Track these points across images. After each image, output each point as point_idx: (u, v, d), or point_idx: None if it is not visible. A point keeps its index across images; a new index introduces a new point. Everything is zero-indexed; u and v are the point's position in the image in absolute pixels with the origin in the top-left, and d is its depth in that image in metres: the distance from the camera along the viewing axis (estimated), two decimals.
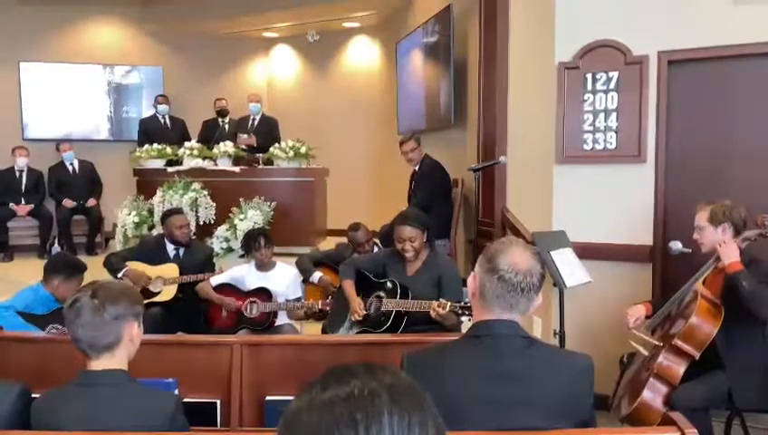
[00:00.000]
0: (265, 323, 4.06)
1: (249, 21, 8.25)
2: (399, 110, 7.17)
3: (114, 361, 1.76)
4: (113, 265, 4.44)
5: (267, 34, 8.94)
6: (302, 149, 6.10)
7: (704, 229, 2.91)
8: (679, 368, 2.71)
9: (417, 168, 5.40)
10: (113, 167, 7.74)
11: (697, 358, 2.69)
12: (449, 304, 3.03)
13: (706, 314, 2.69)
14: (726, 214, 2.86)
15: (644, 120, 3.63)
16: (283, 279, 4.20)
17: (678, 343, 2.69)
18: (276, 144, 6.24)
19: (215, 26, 8.41)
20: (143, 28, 8.46)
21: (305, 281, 4.58)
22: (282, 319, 4.16)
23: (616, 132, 3.70)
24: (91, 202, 7.29)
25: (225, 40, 8.73)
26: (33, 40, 7.89)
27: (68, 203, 7.16)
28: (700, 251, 2.96)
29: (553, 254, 3.28)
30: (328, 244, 6.07)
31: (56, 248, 7.09)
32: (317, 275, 4.59)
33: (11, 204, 7.09)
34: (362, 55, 8.63)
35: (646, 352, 2.90)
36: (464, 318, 3.10)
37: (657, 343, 2.84)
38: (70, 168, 7.41)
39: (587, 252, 3.54)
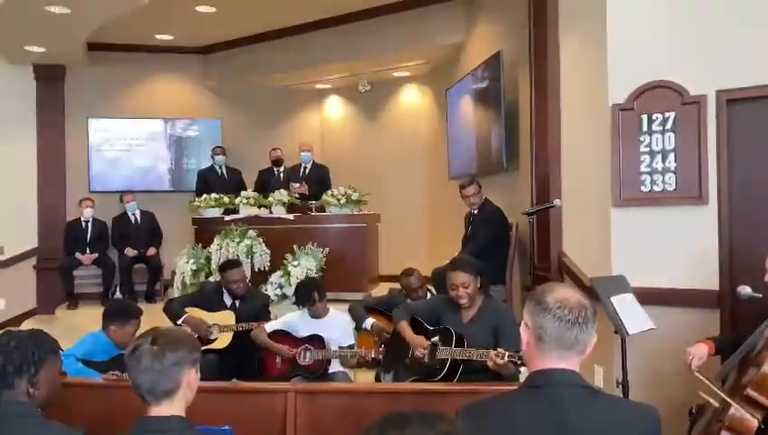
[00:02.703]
0: (319, 371, 4.04)
1: (304, 74, 8.52)
2: (450, 155, 7.20)
3: (173, 407, 1.78)
4: (173, 311, 4.54)
5: (320, 86, 9.20)
6: (354, 196, 6.16)
7: None
8: (753, 420, 2.54)
9: (475, 211, 5.37)
10: (173, 216, 7.99)
11: None
12: (507, 353, 2.95)
13: None
14: None
15: (704, 160, 3.54)
16: (336, 326, 4.19)
17: (751, 392, 2.54)
18: (328, 191, 6.33)
19: (271, 80, 8.71)
20: (203, 84, 8.84)
21: (358, 328, 4.56)
22: (335, 366, 4.13)
23: (675, 173, 3.60)
24: (152, 251, 7.50)
25: (280, 93, 9.02)
26: (102, 97, 8.32)
27: (130, 252, 7.40)
28: None
29: (614, 300, 3.17)
30: (381, 290, 6.06)
31: (118, 296, 7.30)
32: (370, 322, 4.57)
33: (77, 253, 7.37)
34: (412, 103, 8.75)
35: (716, 403, 2.73)
36: (522, 368, 3.01)
37: (724, 396, 2.67)
38: (132, 218, 7.68)
39: (649, 297, 3.41)
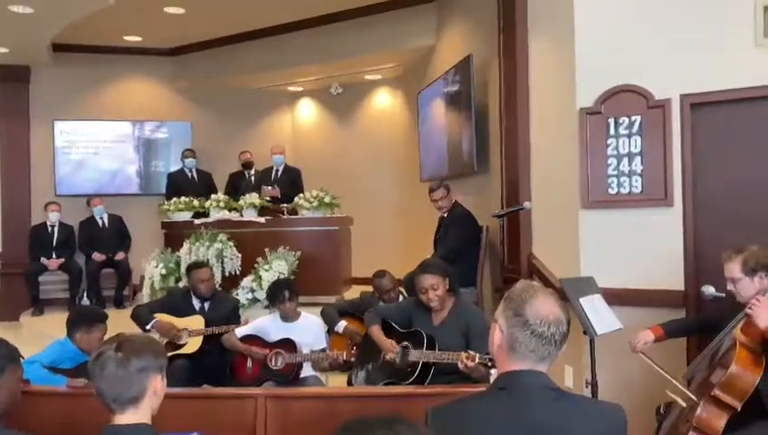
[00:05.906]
0: (290, 375, 4.01)
1: (275, 76, 8.47)
2: (422, 158, 7.22)
3: (138, 415, 1.75)
4: (141, 317, 4.47)
5: (292, 88, 9.15)
6: (326, 199, 6.14)
7: (739, 281, 2.80)
8: (720, 420, 2.59)
9: (445, 214, 5.38)
10: (142, 220, 7.88)
11: (739, 409, 2.58)
12: (478, 356, 2.97)
13: (747, 363, 2.58)
14: (760, 261, 2.78)
15: (669, 163, 3.61)
16: (308, 330, 4.17)
17: (718, 393, 2.58)
18: (301, 194, 6.30)
19: (242, 82, 8.65)
20: (172, 86, 8.73)
21: (330, 331, 4.54)
22: (307, 371, 4.11)
23: (641, 176, 3.67)
24: (120, 256, 7.39)
25: (251, 95, 8.95)
26: (68, 99, 8.17)
27: (97, 257, 7.27)
28: (735, 299, 2.86)
29: (582, 301, 3.21)
30: (353, 293, 6.04)
31: (85, 301, 7.17)
32: (342, 325, 4.55)
33: (42, 258, 7.22)
34: (384, 106, 8.77)
35: (683, 403, 2.78)
36: (493, 371, 3.03)
37: (692, 396, 2.72)
38: (100, 222, 7.55)
39: (616, 298, 3.46)
